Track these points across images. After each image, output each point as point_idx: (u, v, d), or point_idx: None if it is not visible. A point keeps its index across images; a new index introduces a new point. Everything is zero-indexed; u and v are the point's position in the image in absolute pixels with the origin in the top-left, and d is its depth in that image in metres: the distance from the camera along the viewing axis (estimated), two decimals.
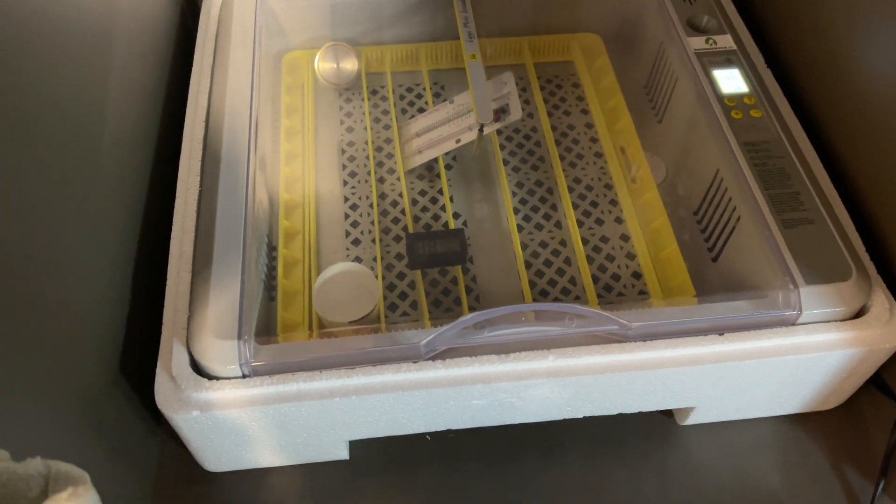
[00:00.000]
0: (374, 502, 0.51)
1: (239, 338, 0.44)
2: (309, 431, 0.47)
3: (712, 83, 0.58)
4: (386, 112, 0.66)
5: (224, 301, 0.45)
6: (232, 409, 0.44)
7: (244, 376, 0.44)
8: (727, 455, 0.53)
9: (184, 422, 0.44)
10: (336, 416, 0.46)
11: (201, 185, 0.52)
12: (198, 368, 0.45)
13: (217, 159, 0.52)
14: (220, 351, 0.44)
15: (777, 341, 0.47)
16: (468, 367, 0.45)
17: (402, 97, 0.67)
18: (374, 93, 0.67)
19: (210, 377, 0.45)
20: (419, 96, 0.67)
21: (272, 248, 0.55)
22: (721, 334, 0.47)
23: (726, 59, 0.60)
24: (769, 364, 0.47)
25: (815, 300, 0.47)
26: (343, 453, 0.51)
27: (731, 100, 0.57)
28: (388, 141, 0.64)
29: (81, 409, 0.43)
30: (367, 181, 0.61)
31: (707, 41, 0.61)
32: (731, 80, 0.58)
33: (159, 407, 0.44)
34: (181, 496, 0.51)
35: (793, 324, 0.47)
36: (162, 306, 0.47)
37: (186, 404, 0.44)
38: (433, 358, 0.45)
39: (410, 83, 0.68)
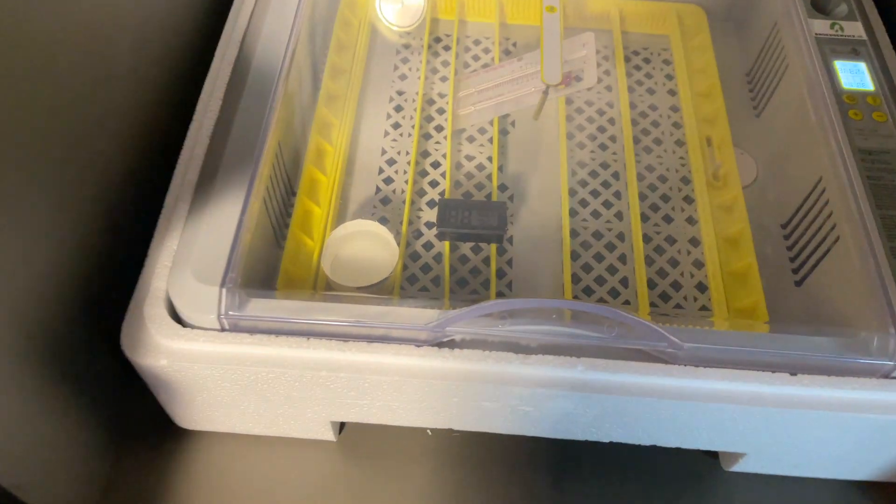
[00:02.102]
0: (357, 492, 0.45)
1: (223, 285, 0.38)
2: (290, 404, 0.41)
3: (831, 75, 0.48)
4: (446, 63, 0.59)
5: (215, 240, 0.40)
6: (204, 364, 0.38)
7: (222, 329, 0.39)
8: None
9: (149, 370, 0.39)
10: (321, 393, 0.40)
11: (221, 112, 0.46)
12: (176, 313, 0.39)
13: (242, 85, 0.46)
14: (198, 296, 0.38)
15: (863, 394, 0.38)
16: (479, 362, 0.38)
17: (467, 49, 0.60)
18: (437, 41, 0.60)
19: (186, 325, 0.39)
20: (487, 51, 0.60)
21: (291, 193, 0.49)
22: (793, 374, 0.38)
23: (852, 50, 0.50)
24: (848, 419, 0.38)
25: None
26: (328, 434, 0.45)
27: (852, 97, 0.47)
28: (443, 96, 0.57)
29: (38, 345, 0.38)
30: (410, 135, 0.54)
31: (832, 26, 0.51)
32: (854, 75, 0.49)
33: (123, 349, 0.38)
34: (148, 451, 0.46)
35: (886, 376, 0.38)
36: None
37: (154, 351, 0.38)
38: (440, 345, 0.39)
39: (479, 36, 0.61)
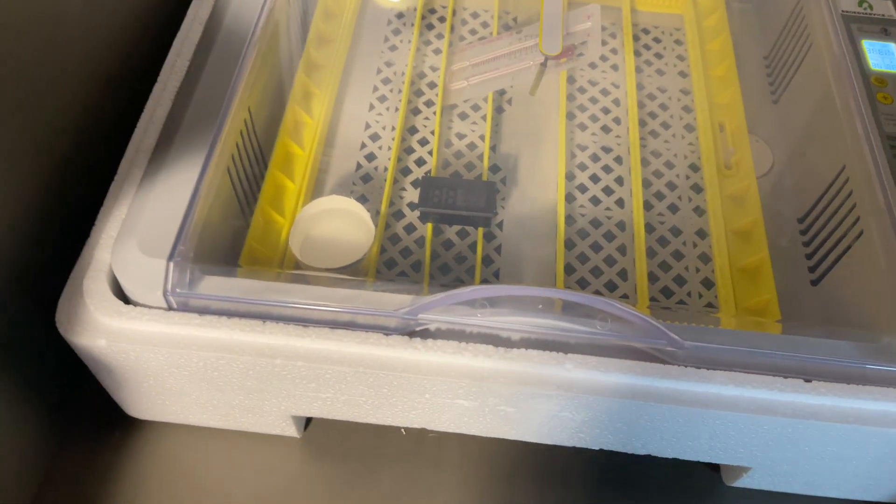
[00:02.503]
0: (320, 495, 0.41)
1: (170, 258, 0.34)
2: (246, 395, 0.37)
3: (858, 56, 0.44)
4: (440, 36, 0.55)
5: (166, 209, 0.36)
6: (147, 346, 0.34)
7: (169, 308, 0.35)
8: None
9: (87, 351, 0.35)
10: (278, 384, 0.36)
11: (187, 74, 0.42)
12: (120, 289, 0.35)
13: (210, 47, 0.42)
14: (143, 270, 0.34)
15: (886, 405, 0.34)
16: (454, 354, 0.34)
17: (464, 22, 0.56)
18: (431, 12, 0.56)
19: (130, 302, 0.35)
20: (485, 25, 0.56)
21: (264, 166, 0.45)
22: (808, 380, 0.34)
23: (882, 30, 0.45)
24: (868, 434, 0.34)
25: None
26: (290, 430, 0.41)
27: (881, 80, 0.43)
28: (435, 69, 0.53)
29: None
30: (397, 109, 0.50)
31: (860, 3, 0.47)
32: (884, 56, 0.44)
33: (58, 326, 0.34)
34: (93, 440, 0.42)
35: None
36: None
37: (92, 330, 0.34)
38: (412, 334, 0.34)
39: (478, 8, 0.57)
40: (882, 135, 0.41)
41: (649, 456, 0.39)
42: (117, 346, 0.34)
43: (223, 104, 0.40)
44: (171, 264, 0.34)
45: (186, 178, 0.37)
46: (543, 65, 0.46)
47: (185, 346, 0.34)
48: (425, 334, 0.34)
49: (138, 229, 0.35)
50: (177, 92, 0.41)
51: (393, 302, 0.34)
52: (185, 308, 0.35)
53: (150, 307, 0.34)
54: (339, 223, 0.42)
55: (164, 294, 0.34)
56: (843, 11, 0.46)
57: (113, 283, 0.35)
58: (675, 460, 0.39)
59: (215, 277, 0.35)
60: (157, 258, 0.34)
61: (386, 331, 0.34)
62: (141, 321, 0.34)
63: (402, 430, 0.43)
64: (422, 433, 0.43)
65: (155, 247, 0.34)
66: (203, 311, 0.34)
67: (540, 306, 0.34)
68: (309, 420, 0.43)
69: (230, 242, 0.41)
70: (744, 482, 0.41)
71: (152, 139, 0.39)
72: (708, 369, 0.34)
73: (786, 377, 0.34)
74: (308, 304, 0.34)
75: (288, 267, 0.42)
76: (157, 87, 0.42)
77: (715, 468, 0.43)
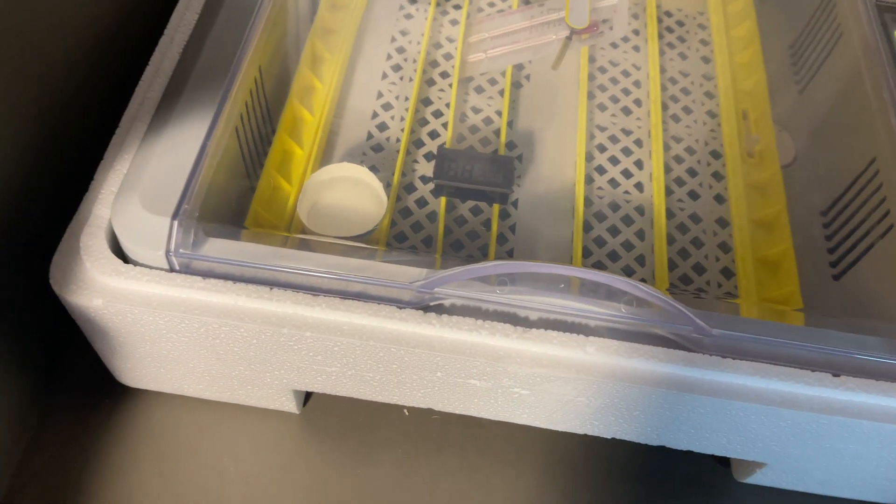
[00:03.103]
0: (317, 474, 0.39)
1: (175, 217, 0.32)
2: (247, 365, 0.36)
3: (892, 46, 0.43)
4: (458, 6, 0.53)
5: (171, 165, 0.34)
6: (146, 308, 0.32)
7: (171, 269, 0.33)
8: None
9: (81, 311, 0.33)
10: (283, 354, 0.34)
11: (196, 26, 0.40)
12: (119, 248, 0.33)
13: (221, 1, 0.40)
14: (145, 228, 0.32)
15: None
16: (470, 332, 0.32)
17: None
18: None
19: (129, 261, 0.33)
20: None
21: (271, 130, 0.43)
22: (836, 375, 0.33)
23: None
24: (893, 432, 0.33)
25: None
26: (290, 405, 0.40)
27: None
28: (452, 40, 0.51)
29: None
30: (411, 79, 0.48)
31: None
32: None
33: (52, 284, 0.32)
34: (82, 408, 0.40)
35: None
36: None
37: (88, 289, 0.32)
38: (426, 308, 0.33)
39: None
40: None
41: (658, 449, 0.37)
42: (115, 306, 0.32)
43: (233, 61, 0.38)
44: (175, 223, 0.32)
45: (194, 134, 0.35)
46: (569, 38, 0.44)
47: (187, 310, 0.32)
48: (440, 309, 0.33)
49: (141, 185, 0.33)
50: (185, 45, 0.39)
51: (407, 274, 0.33)
52: (187, 270, 0.33)
53: (150, 267, 0.33)
54: (350, 192, 0.41)
55: (167, 254, 0.32)
56: (877, 1, 0.45)
57: (112, 240, 0.33)
58: (685, 454, 0.38)
59: (221, 240, 0.33)
60: (161, 216, 0.32)
61: (399, 304, 0.33)
62: (141, 281, 0.32)
63: (405, 410, 0.41)
64: (425, 415, 0.41)
65: (158, 204, 0.32)
66: (207, 275, 0.33)
67: (562, 285, 0.33)
68: (308, 396, 0.42)
69: (235, 205, 0.39)
70: (756, 479, 0.39)
71: (157, 92, 0.37)
72: (734, 359, 0.33)
73: (813, 370, 0.33)
74: (319, 272, 0.32)
75: (294, 233, 0.40)
76: (163, 40, 0.40)
77: (725, 463, 0.41)
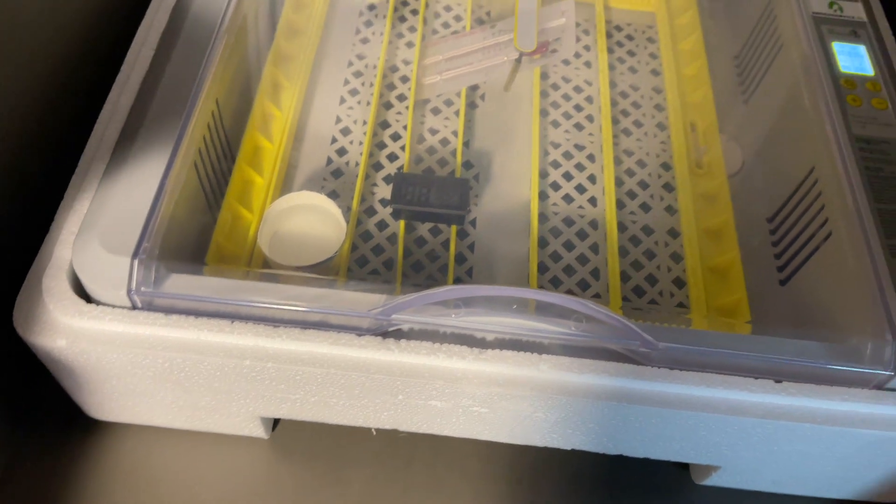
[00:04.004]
0: (289, 497, 0.40)
1: (135, 256, 0.33)
2: (213, 396, 0.36)
3: (828, 58, 0.44)
4: (413, 29, 0.54)
5: (130, 204, 0.34)
6: (110, 346, 0.33)
7: (133, 307, 0.33)
8: None
9: (46, 352, 0.34)
10: (248, 385, 0.35)
11: (152, 63, 0.41)
12: (82, 288, 0.34)
13: (177, 35, 0.41)
14: (106, 268, 0.33)
15: (854, 406, 0.34)
16: (428, 356, 0.33)
17: (437, 16, 0.55)
18: (404, 3, 0.55)
19: (92, 301, 0.34)
20: (458, 19, 0.55)
21: (231, 160, 0.44)
22: (778, 381, 0.34)
23: (852, 32, 0.46)
24: (836, 434, 0.34)
25: None
26: (258, 431, 0.40)
27: (850, 82, 0.43)
28: (407, 63, 0.52)
29: None
30: (368, 103, 0.49)
31: (831, 5, 0.47)
32: (853, 58, 0.45)
33: (15, 326, 0.33)
34: (53, 442, 0.41)
35: (880, 387, 0.34)
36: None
37: (51, 330, 0.33)
38: (385, 334, 0.34)
39: (451, 2, 0.56)
40: (851, 137, 0.41)
41: (618, 456, 0.39)
42: (78, 346, 0.33)
43: (190, 95, 0.39)
44: (136, 262, 0.33)
45: (152, 172, 0.36)
46: (518, 61, 0.45)
47: (150, 346, 0.33)
48: (399, 335, 0.34)
49: (101, 225, 0.34)
50: (142, 82, 0.40)
51: (366, 302, 0.34)
52: (150, 307, 0.33)
53: (113, 306, 0.33)
54: (310, 219, 0.42)
55: (129, 293, 0.33)
56: (813, 13, 0.47)
57: (74, 281, 0.34)
58: (644, 460, 0.40)
59: (182, 275, 0.34)
60: (121, 255, 0.33)
61: (358, 331, 0.34)
62: (103, 321, 0.33)
63: (373, 430, 0.42)
64: (392, 433, 0.42)
65: (118, 243, 0.33)
66: (169, 311, 0.33)
67: (514, 306, 0.34)
68: (277, 420, 0.43)
69: (197, 239, 0.40)
70: (713, 481, 0.41)
71: (115, 131, 0.38)
72: (681, 370, 0.34)
73: (756, 378, 0.34)
74: (278, 304, 0.33)
75: (256, 264, 0.41)
76: (120, 77, 0.41)
77: (684, 467, 0.43)
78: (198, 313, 0.33)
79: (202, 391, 0.36)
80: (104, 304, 0.33)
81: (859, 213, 0.38)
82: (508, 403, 0.35)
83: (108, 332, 0.33)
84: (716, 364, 0.34)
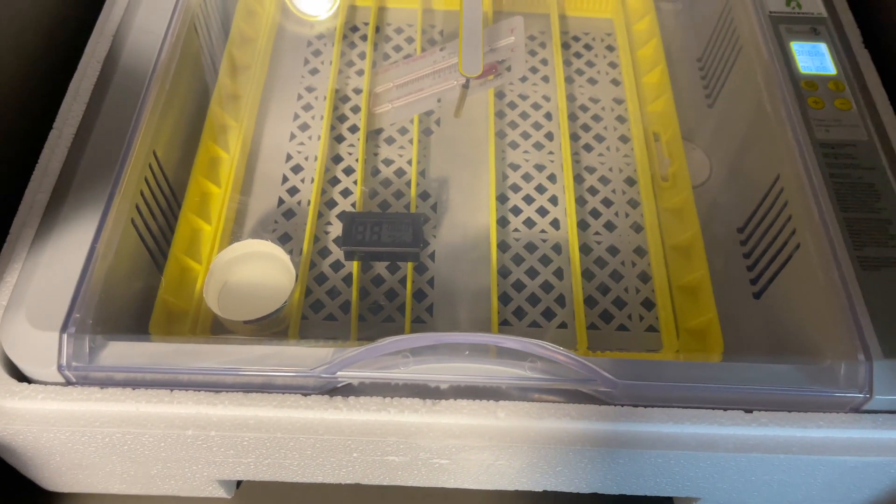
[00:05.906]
0: None
1: (63, 330, 0.32)
2: (162, 464, 0.35)
3: (787, 58, 0.43)
4: (363, 56, 0.52)
5: (57, 275, 0.33)
6: (44, 426, 0.31)
7: (67, 383, 0.32)
8: None
9: None
10: (195, 452, 0.34)
11: (84, 119, 0.39)
12: (13, 366, 0.33)
13: (107, 86, 0.40)
14: (34, 344, 0.32)
15: (830, 433, 0.32)
16: (379, 411, 0.32)
17: (387, 39, 0.53)
18: (353, 30, 0.54)
19: (25, 379, 0.32)
20: (410, 40, 0.53)
21: (177, 210, 0.43)
22: (749, 411, 0.33)
23: (811, 30, 0.44)
24: (814, 462, 0.33)
25: (893, 381, 0.32)
26: (219, 492, 0.39)
27: (811, 83, 0.42)
28: (358, 91, 0.50)
29: None
30: (319, 137, 0.48)
31: (788, 3, 0.45)
32: (813, 58, 0.43)
33: None
34: None
35: (857, 410, 0.33)
36: None
37: None
38: (332, 392, 0.32)
39: (402, 23, 0.54)
40: (814, 142, 0.39)
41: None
42: (13, 427, 0.31)
43: (122, 149, 0.37)
44: (65, 336, 0.31)
45: (81, 236, 0.34)
46: (465, 86, 0.44)
47: (87, 422, 0.31)
48: (347, 391, 0.32)
49: (28, 299, 0.32)
50: (72, 140, 0.38)
51: (312, 358, 0.32)
52: (84, 381, 0.32)
53: (45, 383, 0.32)
54: (258, 268, 0.40)
55: (59, 369, 0.31)
56: (770, 12, 0.45)
57: (4, 359, 0.32)
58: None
59: (119, 344, 0.33)
60: (49, 331, 0.31)
61: (305, 391, 0.32)
62: (36, 400, 0.31)
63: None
64: (360, 485, 0.41)
65: (46, 318, 0.32)
66: (105, 384, 0.32)
67: (466, 353, 0.32)
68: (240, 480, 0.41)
69: (141, 298, 0.39)
70: None
71: (46, 194, 0.37)
72: (645, 406, 0.32)
73: (726, 409, 0.33)
74: (219, 370, 0.32)
75: (205, 319, 0.39)
76: (52, 135, 0.39)
77: (668, 498, 0.41)
78: (136, 384, 0.32)
79: (150, 461, 0.34)
80: (37, 382, 0.32)
81: (825, 224, 0.36)
82: (468, 454, 0.33)
83: (42, 411, 0.31)
84: (682, 397, 0.33)
